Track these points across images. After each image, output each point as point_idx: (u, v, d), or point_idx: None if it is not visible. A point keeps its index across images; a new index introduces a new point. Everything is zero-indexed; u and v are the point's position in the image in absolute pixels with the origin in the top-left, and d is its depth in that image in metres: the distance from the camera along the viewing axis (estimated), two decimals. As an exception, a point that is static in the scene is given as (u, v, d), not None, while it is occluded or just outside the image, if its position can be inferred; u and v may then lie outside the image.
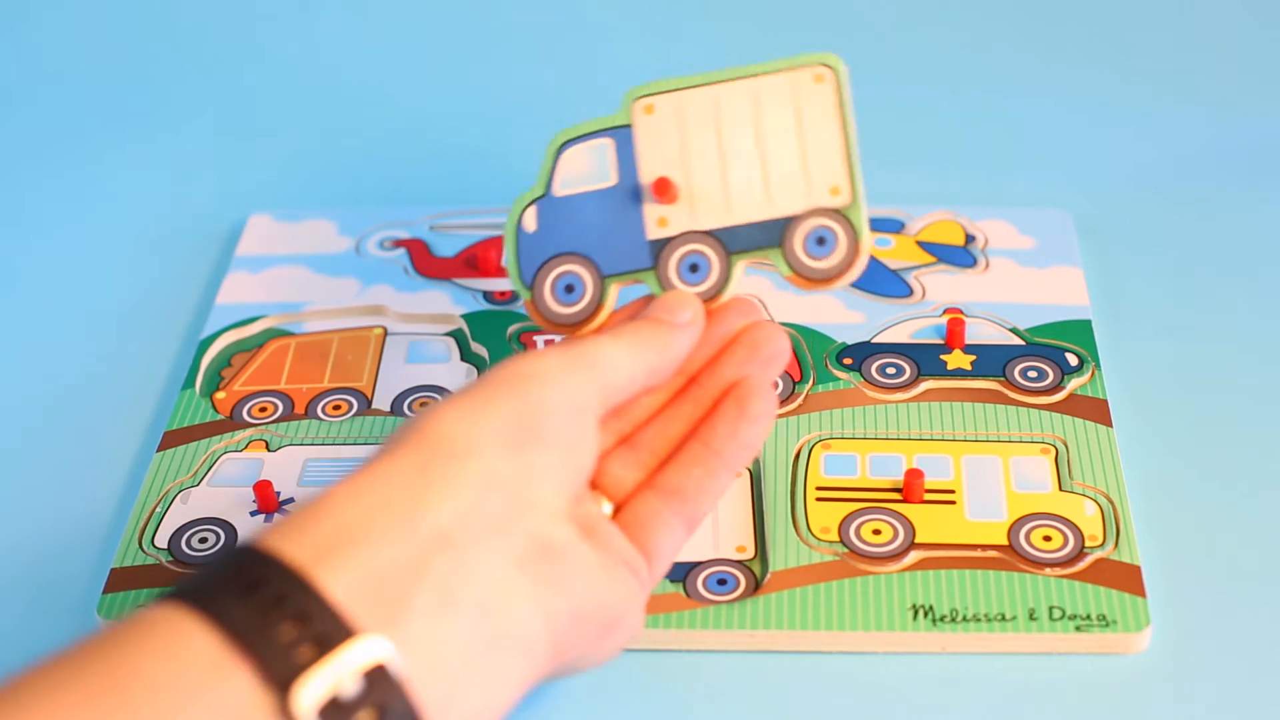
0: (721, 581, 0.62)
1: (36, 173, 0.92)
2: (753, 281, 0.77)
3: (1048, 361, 0.71)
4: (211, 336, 0.75)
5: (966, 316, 0.74)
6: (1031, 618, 0.59)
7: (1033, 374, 0.71)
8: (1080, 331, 0.73)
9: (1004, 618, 0.59)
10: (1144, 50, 0.95)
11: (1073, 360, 0.71)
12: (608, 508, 0.54)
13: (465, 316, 0.76)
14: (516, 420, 0.49)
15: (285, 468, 0.68)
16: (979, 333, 0.73)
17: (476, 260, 0.79)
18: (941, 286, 0.77)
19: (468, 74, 0.97)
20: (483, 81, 0.97)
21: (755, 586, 0.62)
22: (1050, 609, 0.60)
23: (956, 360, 0.72)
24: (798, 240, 0.57)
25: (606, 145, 0.59)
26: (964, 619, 0.60)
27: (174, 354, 0.76)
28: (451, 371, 0.73)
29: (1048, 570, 0.61)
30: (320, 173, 0.91)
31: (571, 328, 0.59)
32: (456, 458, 0.48)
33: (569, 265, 0.59)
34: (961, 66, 0.95)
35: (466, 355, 0.74)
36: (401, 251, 0.81)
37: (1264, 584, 0.62)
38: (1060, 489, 0.65)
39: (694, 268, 0.58)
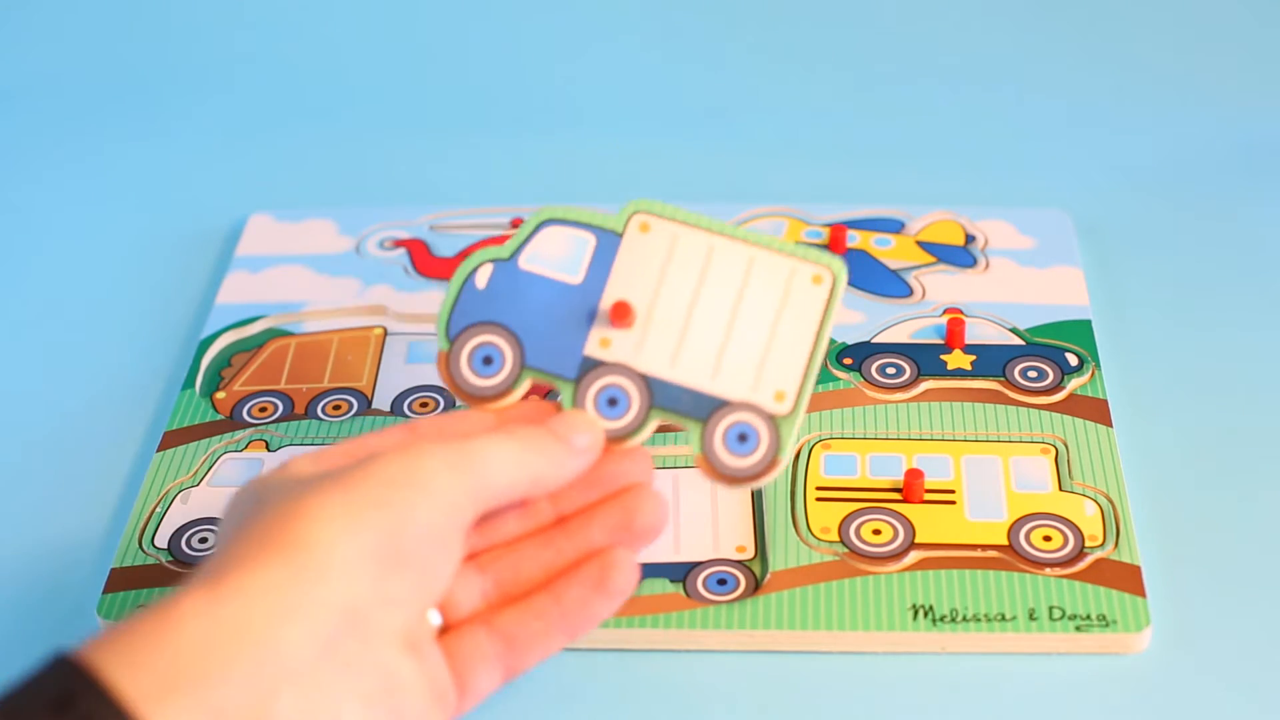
0: (721, 581, 0.62)
1: (36, 173, 0.92)
2: (753, 281, 0.77)
3: (1048, 361, 0.71)
4: (211, 336, 0.75)
5: (966, 316, 0.74)
6: (1031, 618, 0.59)
7: (1033, 374, 0.71)
8: (1080, 331, 0.73)
9: (1004, 618, 0.59)
10: (1143, 50, 0.95)
11: (1073, 360, 0.71)
12: (437, 619, 0.52)
13: (465, 316, 0.76)
14: (388, 539, 0.47)
15: (285, 468, 0.68)
16: (979, 333, 0.73)
17: (476, 260, 0.79)
18: (941, 286, 0.77)
19: (469, 74, 0.97)
20: (484, 81, 0.97)
21: (755, 586, 0.62)
22: (1050, 609, 0.60)
23: (956, 360, 0.72)
24: (721, 427, 0.55)
25: (588, 241, 0.57)
26: (964, 619, 0.60)
27: (174, 354, 0.76)
28: (451, 371, 0.73)
29: (1048, 570, 0.61)
30: (320, 173, 0.91)
31: (471, 398, 0.56)
32: (321, 578, 0.46)
33: (496, 338, 0.56)
34: (961, 66, 0.95)
35: (466, 355, 0.74)
36: (401, 251, 0.81)
37: (1264, 584, 0.62)
38: (1060, 489, 0.65)
39: (613, 401, 0.55)
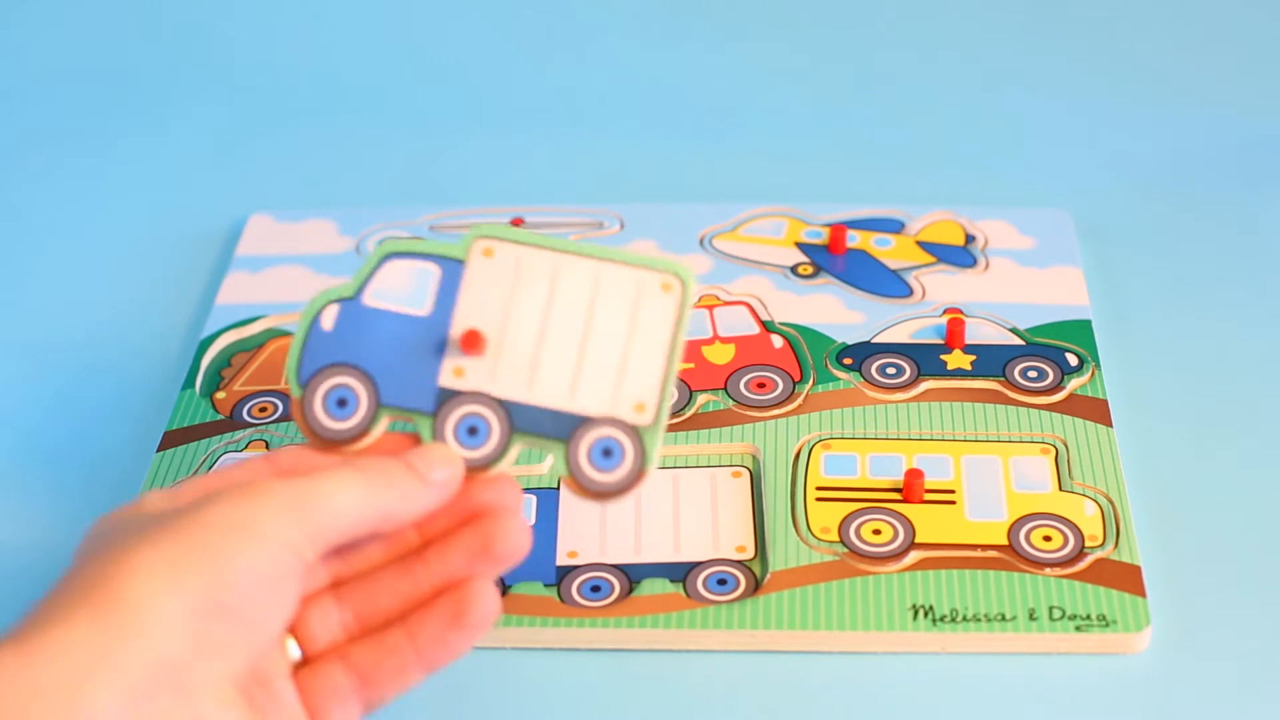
0: (721, 581, 0.62)
1: (37, 173, 0.92)
2: (752, 281, 0.77)
3: (1048, 361, 0.71)
4: (211, 336, 0.75)
5: (966, 316, 0.74)
6: (1031, 618, 0.59)
7: (1033, 374, 0.71)
8: (1080, 331, 0.73)
9: (1004, 618, 0.59)
10: (1144, 50, 0.95)
11: (1073, 360, 0.71)
12: (296, 652, 0.52)
13: (465, 316, 0.76)
14: (208, 590, 0.46)
15: (285, 468, 0.68)
16: (979, 333, 0.73)
17: (476, 260, 0.79)
18: (941, 286, 0.77)
19: (469, 74, 0.97)
20: (483, 81, 0.97)
21: (755, 586, 0.62)
22: (1050, 609, 0.60)
23: (956, 360, 0.72)
24: (584, 444, 0.54)
25: (431, 272, 0.55)
26: (964, 619, 0.60)
27: (174, 354, 0.76)
28: (451, 371, 0.73)
29: (1048, 570, 0.61)
30: (320, 173, 0.91)
31: (330, 444, 0.55)
32: (134, 635, 0.45)
33: (349, 379, 0.55)
34: (962, 66, 0.95)
35: (466, 355, 0.74)
36: (401, 251, 0.81)
37: (1264, 584, 0.62)
38: (1060, 489, 0.65)
39: (473, 430, 0.54)
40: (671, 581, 0.62)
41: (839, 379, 0.71)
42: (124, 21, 1.00)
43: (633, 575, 0.62)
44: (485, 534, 0.52)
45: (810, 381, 0.71)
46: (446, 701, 0.58)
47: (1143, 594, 0.60)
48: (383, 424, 0.55)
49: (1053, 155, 0.89)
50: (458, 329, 0.55)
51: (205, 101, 0.97)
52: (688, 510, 0.65)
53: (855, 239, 0.80)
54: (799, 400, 0.70)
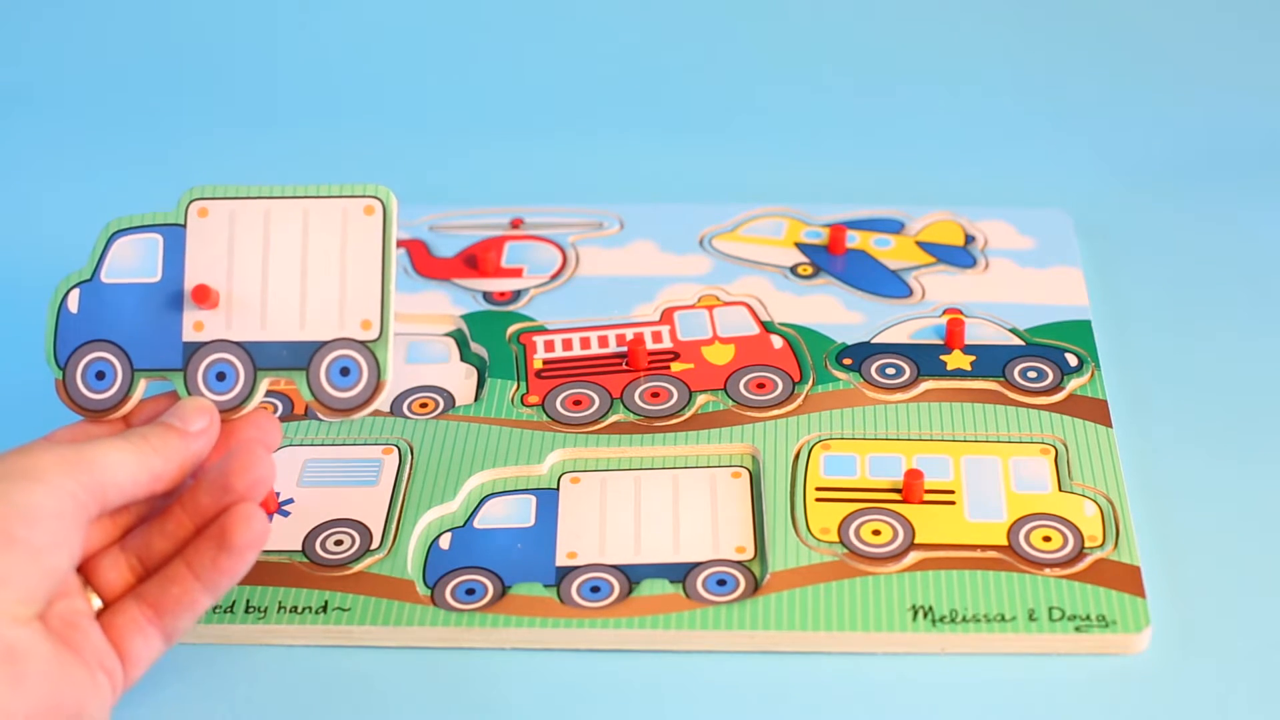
0: (721, 582, 0.62)
1: (38, 175, 0.92)
2: (752, 281, 0.77)
3: (1047, 362, 0.71)
4: (211, 337, 0.76)
5: (966, 317, 0.74)
6: (1031, 618, 0.59)
7: (1032, 374, 0.71)
8: (1080, 331, 0.73)
9: (1004, 618, 0.59)
10: (1144, 50, 0.95)
11: (1072, 360, 0.71)
12: (99, 603, 0.55)
13: (465, 317, 0.76)
14: None
15: (285, 468, 0.68)
16: (979, 333, 0.73)
17: (476, 260, 0.79)
18: (941, 286, 0.77)
19: (469, 74, 0.97)
20: (483, 81, 0.97)
21: (755, 587, 0.62)
22: (1050, 609, 0.60)
23: (956, 360, 0.72)
24: (323, 367, 0.59)
25: (156, 241, 0.61)
26: (964, 619, 0.60)
27: (174, 354, 0.76)
28: (451, 372, 0.73)
29: (1047, 571, 0.61)
30: (320, 173, 0.90)
31: (97, 414, 0.60)
32: None
33: (102, 353, 0.60)
34: (961, 66, 0.95)
35: (466, 355, 0.74)
36: (401, 251, 0.81)
37: (1264, 584, 0.62)
38: (1060, 489, 0.65)
39: (221, 376, 0.59)
40: (671, 582, 0.62)
41: (839, 379, 0.71)
42: (125, 23, 1.00)
43: (632, 576, 0.62)
44: (223, 473, 0.56)
45: (810, 382, 0.71)
46: (447, 701, 0.58)
47: (1142, 594, 0.60)
48: (141, 387, 0.60)
49: (1053, 155, 0.89)
50: (189, 286, 0.60)
51: (205, 102, 0.97)
52: (687, 511, 0.65)
53: (855, 239, 0.80)
54: (799, 400, 0.70)
